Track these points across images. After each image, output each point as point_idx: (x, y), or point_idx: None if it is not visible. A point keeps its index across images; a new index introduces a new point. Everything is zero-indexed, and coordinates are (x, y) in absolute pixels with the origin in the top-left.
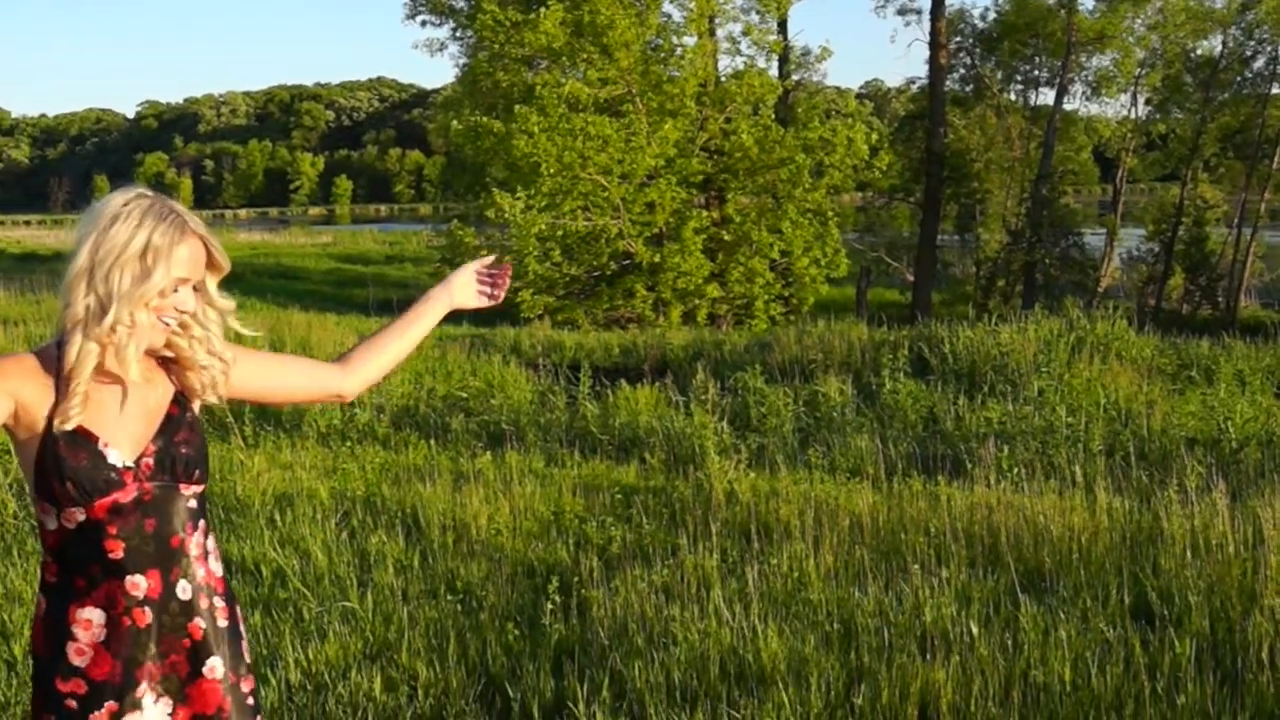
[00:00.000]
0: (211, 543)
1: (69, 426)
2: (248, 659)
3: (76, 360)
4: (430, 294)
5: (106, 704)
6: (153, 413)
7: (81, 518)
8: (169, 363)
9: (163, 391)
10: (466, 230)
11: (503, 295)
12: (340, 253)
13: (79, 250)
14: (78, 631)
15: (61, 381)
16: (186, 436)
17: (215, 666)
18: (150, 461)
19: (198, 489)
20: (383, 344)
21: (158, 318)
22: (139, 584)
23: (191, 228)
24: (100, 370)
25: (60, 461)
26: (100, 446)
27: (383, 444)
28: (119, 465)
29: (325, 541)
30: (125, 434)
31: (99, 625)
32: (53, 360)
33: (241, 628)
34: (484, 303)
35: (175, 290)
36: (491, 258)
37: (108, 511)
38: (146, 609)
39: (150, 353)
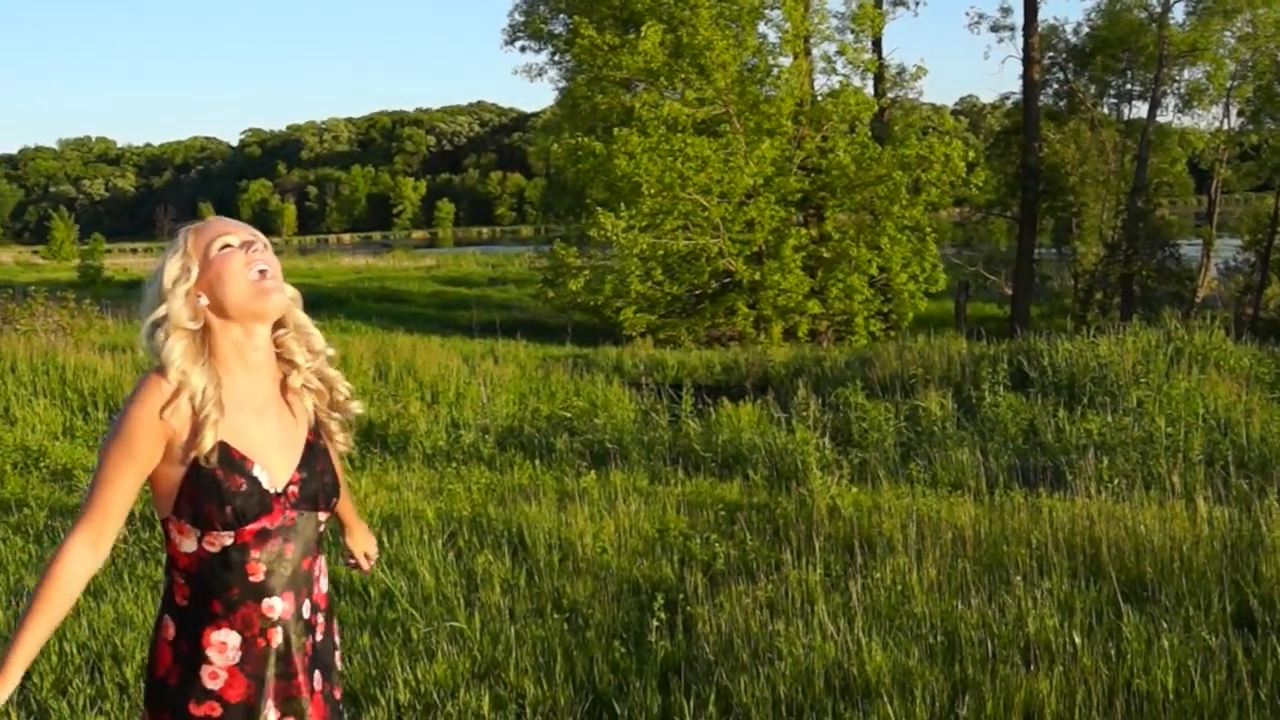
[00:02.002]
0: (323, 562)
1: (207, 438)
2: (340, 667)
3: (164, 360)
4: (355, 529)
5: None
6: (295, 441)
7: (228, 541)
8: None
9: (301, 421)
10: (569, 250)
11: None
12: (443, 275)
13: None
14: (212, 655)
15: (194, 411)
16: (325, 465)
17: (318, 678)
18: (296, 490)
19: (328, 515)
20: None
21: (247, 276)
22: (274, 606)
23: (219, 220)
24: (233, 375)
25: (219, 486)
26: (254, 471)
27: (488, 464)
28: (270, 491)
29: (432, 562)
30: (272, 459)
31: (234, 648)
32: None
33: (337, 638)
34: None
35: (239, 249)
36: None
37: (254, 536)
38: (278, 629)
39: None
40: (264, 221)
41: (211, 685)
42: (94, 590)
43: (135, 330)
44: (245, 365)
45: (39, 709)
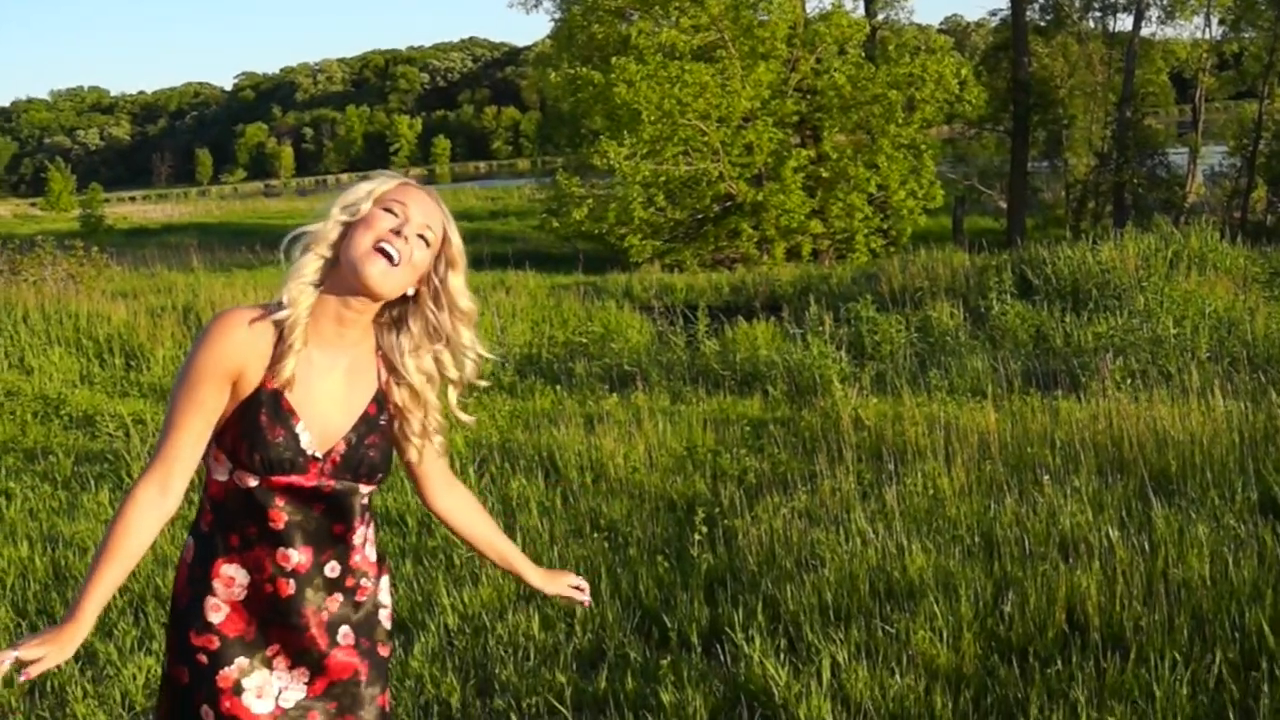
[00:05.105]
0: (371, 530)
1: (288, 366)
2: (388, 626)
3: (292, 271)
4: (531, 570)
5: (237, 661)
6: (353, 407)
7: (254, 483)
8: (389, 367)
9: (367, 387)
10: (571, 180)
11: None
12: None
13: None
14: (218, 586)
15: (280, 338)
16: (376, 440)
17: (348, 634)
18: (338, 458)
19: (374, 488)
20: (484, 532)
21: (374, 241)
22: (290, 556)
23: (425, 189)
24: (317, 326)
25: (258, 432)
26: (298, 428)
27: (509, 392)
28: (308, 453)
29: (467, 489)
30: (322, 421)
31: (240, 585)
32: (272, 316)
33: (383, 597)
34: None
35: (395, 220)
36: (582, 597)
37: (282, 487)
38: (291, 580)
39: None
40: (262, 164)
41: (212, 618)
42: None
43: (143, 277)
44: (334, 324)
45: (85, 653)
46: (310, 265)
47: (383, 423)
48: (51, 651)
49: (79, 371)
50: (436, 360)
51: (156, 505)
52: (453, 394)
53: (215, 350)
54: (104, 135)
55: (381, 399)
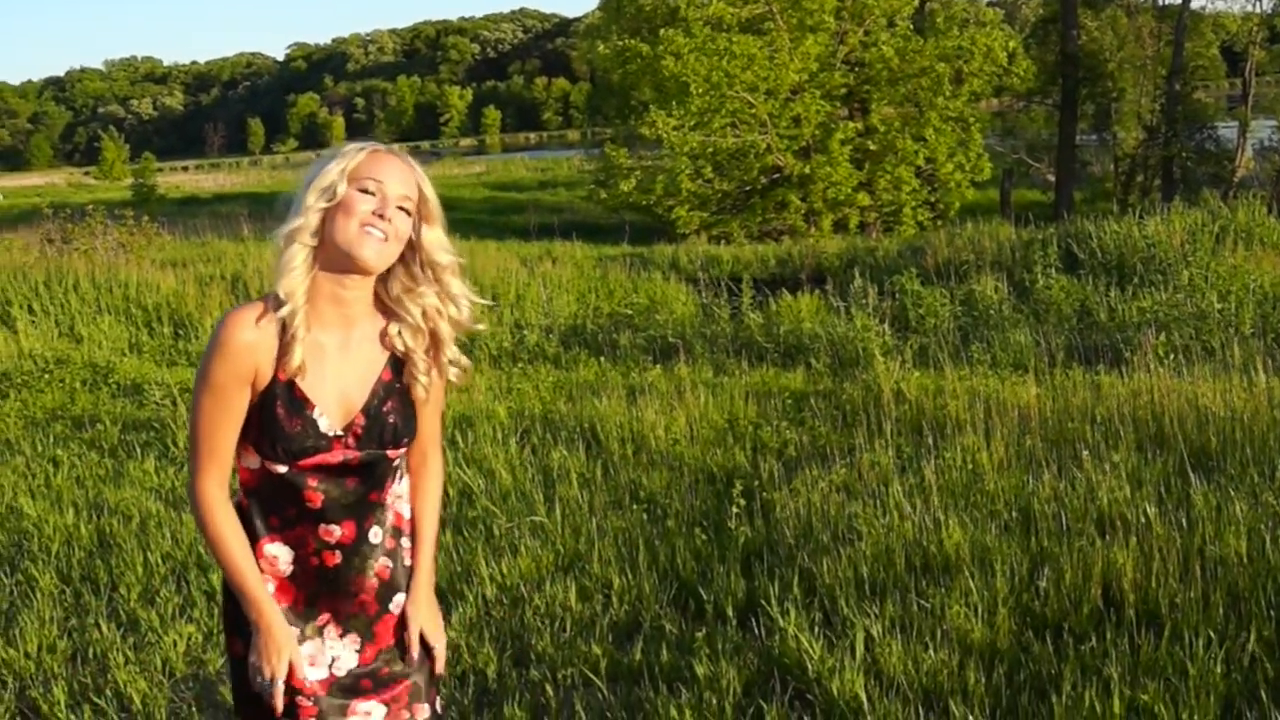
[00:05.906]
0: (404, 486)
1: (296, 354)
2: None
3: (282, 266)
4: (421, 593)
5: None
6: (366, 377)
7: (284, 470)
8: (393, 327)
9: (379, 355)
10: (619, 151)
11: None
12: (494, 181)
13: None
14: (262, 564)
15: (284, 329)
16: (395, 405)
17: (399, 600)
18: (359, 430)
19: (403, 451)
20: (417, 512)
21: (360, 226)
22: (333, 531)
23: (393, 151)
24: (317, 310)
25: (276, 424)
26: (314, 414)
27: (553, 363)
28: (329, 434)
29: (508, 459)
30: (337, 399)
31: (285, 561)
32: (273, 310)
33: (410, 561)
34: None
35: (375, 198)
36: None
37: (312, 468)
38: (337, 552)
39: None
40: (314, 134)
41: None
42: (175, 501)
43: (193, 246)
44: (333, 304)
45: (128, 619)
46: (298, 256)
47: (399, 386)
48: (285, 651)
49: (128, 340)
50: (438, 296)
51: (227, 499)
52: (450, 331)
53: (230, 356)
54: (157, 105)
55: (396, 364)
